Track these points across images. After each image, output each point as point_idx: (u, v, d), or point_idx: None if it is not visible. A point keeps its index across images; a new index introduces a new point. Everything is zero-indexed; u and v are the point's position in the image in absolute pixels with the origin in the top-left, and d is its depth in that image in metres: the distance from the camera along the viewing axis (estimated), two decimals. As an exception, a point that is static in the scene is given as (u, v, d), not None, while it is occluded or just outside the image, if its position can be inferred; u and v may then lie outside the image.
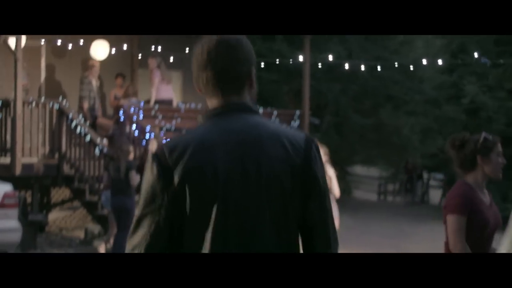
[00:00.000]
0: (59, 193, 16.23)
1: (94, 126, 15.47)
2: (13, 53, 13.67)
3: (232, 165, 2.64)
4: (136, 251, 2.67)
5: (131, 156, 12.29)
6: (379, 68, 22.17)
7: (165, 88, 15.84)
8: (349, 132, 28.48)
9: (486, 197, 4.90)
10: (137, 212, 2.70)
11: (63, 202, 16.28)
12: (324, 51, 24.54)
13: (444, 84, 28.32)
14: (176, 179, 2.62)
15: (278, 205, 2.66)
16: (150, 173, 2.67)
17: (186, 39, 18.37)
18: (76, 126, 14.14)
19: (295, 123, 17.32)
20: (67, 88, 16.50)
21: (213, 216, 2.62)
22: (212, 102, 2.76)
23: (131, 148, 12.45)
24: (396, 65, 25.70)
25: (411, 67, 27.07)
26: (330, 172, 10.58)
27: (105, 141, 14.22)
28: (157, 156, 2.67)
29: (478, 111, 24.42)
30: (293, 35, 25.08)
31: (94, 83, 15.76)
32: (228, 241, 2.63)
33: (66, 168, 14.37)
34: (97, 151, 13.87)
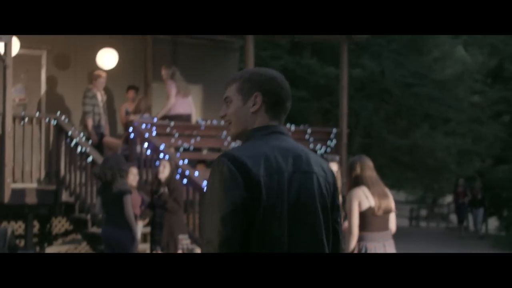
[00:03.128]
0: (61, 224, 13.76)
1: (100, 145, 13.00)
2: (2, 58, 11.24)
3: (293, 176, 2.90)
4: (224, 249, 2.76)
5: (131, 179, 9.91)
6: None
7: (182, 101, 13.33)
8: (380, 154, 25.93)
9: None
10: (215, 216, 2.78)
11: (66, 233, 13.81)
12: (355, 67, 22.18)
13: (487, 101, 25.73)
14: (259, 182, 2.81)
15: (324, 213, 2.98)
16: (222, 177, 2.80)
17: (207, 50, 16.10)
18: (76, 146, 11.65)
19: (332, 143, 14.79)
20: (71, 103, 14.09)
21: (281, 222, 2.83)
22: (265, 122, 3.02)
23: (133, 170, 10.06)
24: (436, 80, 23.40)
25: (448, 84, 24.84)
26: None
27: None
28: (238, 164, 2.81)
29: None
30: (324, 49, 22.83)
31: (100, 97, 13.29)
32: (296, 245, 2.87)
33: (65, 195, 11.88)
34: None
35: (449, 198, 34.04)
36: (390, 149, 24.83)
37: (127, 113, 13.67)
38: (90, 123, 13.02)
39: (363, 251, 7.31)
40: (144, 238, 11.29)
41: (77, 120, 13.95)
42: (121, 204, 9.31)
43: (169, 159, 10.63)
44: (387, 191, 7.61)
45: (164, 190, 10.09)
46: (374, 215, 7.37)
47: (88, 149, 11.54)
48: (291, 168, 2.90)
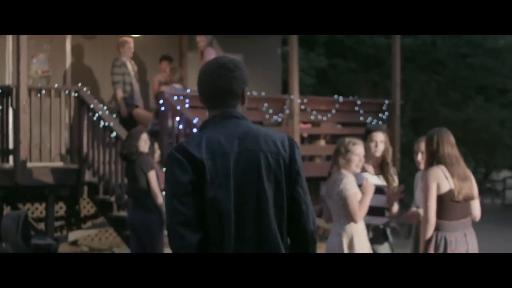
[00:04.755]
0: (90, 205, 12.38)
1: (131, 119, 11.56)
2: (15, 23, 9.81)
3: (238, 156, 3.16)
4: (180, 230, 3.09)
5: (156, 156, 8.59)
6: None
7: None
8: (432, 128, 24.17)
9: None
10: (172, 200, 3.12)
11: (96, 215, 12.45)
12: (405, 36, 20.42)
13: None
14: (203, 165, 3.11)
15: (276, 186, 3.19)
16: (180, 163, 3.13)
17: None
18: (99, 120, 10.22)
19: (384, 115, 13.19)
20: (99, 75, 12.67)
21: (227, 199, 3.10)
22: (213, 112, 3.30)
23: (155, 146, 8.71)
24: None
25: (503, 53, 23.02)
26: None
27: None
28: (183, 151, 3.14)
29: None
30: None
31: (130, 66, 11.85)
32: (243, 222, 3.13)
33: (88, 175, 10.47)
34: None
35: (504, 173, 32.10)
36: (443, 123, 23.00)
37: (160, 84, 12.25)
38: (120, 94, 11.61)
39: (441, 243, 5.96)
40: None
41: (106, 93, 12.55)
42: (145, 183, 8.10)
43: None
44: (469, 173, 6.10)
45: None
46: (453, 200, 5.92)
47: (111, 124, 10.09)
48: (237, 149, 3.17)
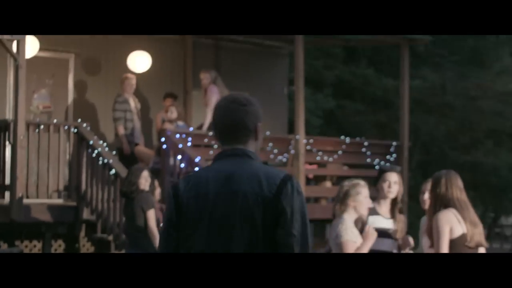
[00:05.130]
0: (90, 244, 12.08)
1: (132, 156, 11.34)
2: (14, 57, 9.64)
3: (218, 196, 3.15)
4: None
5: (157, 194, 8.39)
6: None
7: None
8: (440, 172, 23.85)
9: None
10: (162, 227, 3.31)
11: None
12: (414, 78, 20.24)
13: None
14: (183, 203, 3.20)
15: (251, 228, 3.10)
16: (169, 199, 3.25)
17: (252, 55, 14.41)
18: (98, 156, 9.98)
19: (391, 157, 12.92)
20: (102, 111, 12.45)
21: (202, 234, 3.14)
22: (223, 148, 3.29)
23: (156, 183, 8.48)
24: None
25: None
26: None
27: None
28: (174, 188, 3.24)
29: None
30: (381, 59, 21.01)
31: (132, 103, 11.65)
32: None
33: (86, 213, 10.21)
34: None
35: (514, 219, 31.73)
36: (451, 167, 22.67)
37: (164, 122, 12.04)
38: (121, 130, 11.40)
39: None
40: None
41: (108, 130, 12.33)
42: (143, 222, 7.92)
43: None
44: (478, 219, 5.79)
45: None
46: (466, 246, 5.59)
47: (111, 161, 9.85)
48: (220, 189, 3.16)
